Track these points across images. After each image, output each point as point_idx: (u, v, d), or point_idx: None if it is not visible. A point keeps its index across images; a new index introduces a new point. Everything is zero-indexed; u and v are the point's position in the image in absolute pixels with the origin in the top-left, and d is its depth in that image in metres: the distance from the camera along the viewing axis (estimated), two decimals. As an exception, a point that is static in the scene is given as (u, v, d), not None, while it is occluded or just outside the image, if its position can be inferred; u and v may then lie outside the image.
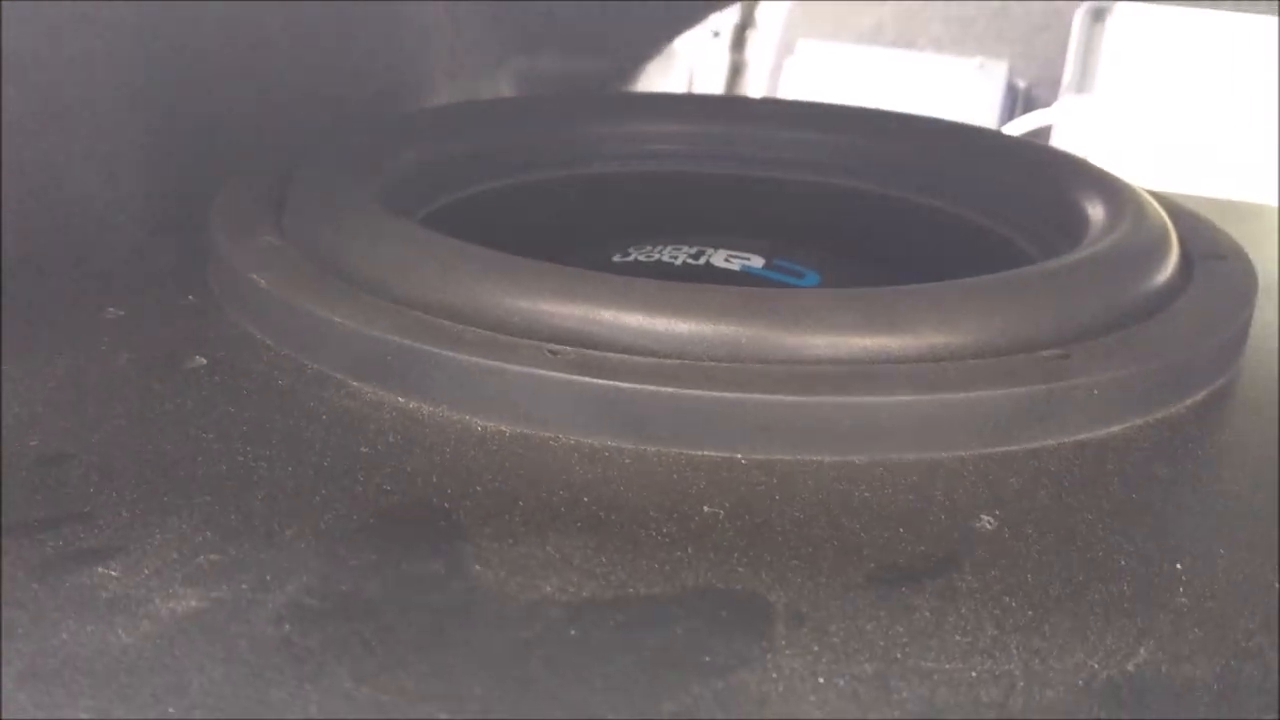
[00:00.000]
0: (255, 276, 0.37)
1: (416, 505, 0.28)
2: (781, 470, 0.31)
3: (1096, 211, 0.44)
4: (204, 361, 0.36)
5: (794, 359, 0.33)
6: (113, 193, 0.51)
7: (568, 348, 0.33)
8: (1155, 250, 0.40)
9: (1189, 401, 0.35)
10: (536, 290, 0.34)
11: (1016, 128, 1.31)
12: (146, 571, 0.25)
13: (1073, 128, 1.26)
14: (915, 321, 0.34)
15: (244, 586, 0.25)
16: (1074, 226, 0.45)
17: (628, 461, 0.31)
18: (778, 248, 0.51)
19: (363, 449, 0.31)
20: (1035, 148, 0.50)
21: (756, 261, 0.49)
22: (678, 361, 0.32)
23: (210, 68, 0.55)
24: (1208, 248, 0.43)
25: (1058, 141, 1.28)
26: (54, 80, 0.46)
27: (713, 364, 0.32)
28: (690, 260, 0.49)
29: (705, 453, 0.31)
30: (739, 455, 0.31)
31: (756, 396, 0.31)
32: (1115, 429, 0.34)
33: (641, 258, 0.50)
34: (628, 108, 0.61)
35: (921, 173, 0.52)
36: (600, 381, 0.31)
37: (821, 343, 0.33)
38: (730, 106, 0.60)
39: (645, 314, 0.33)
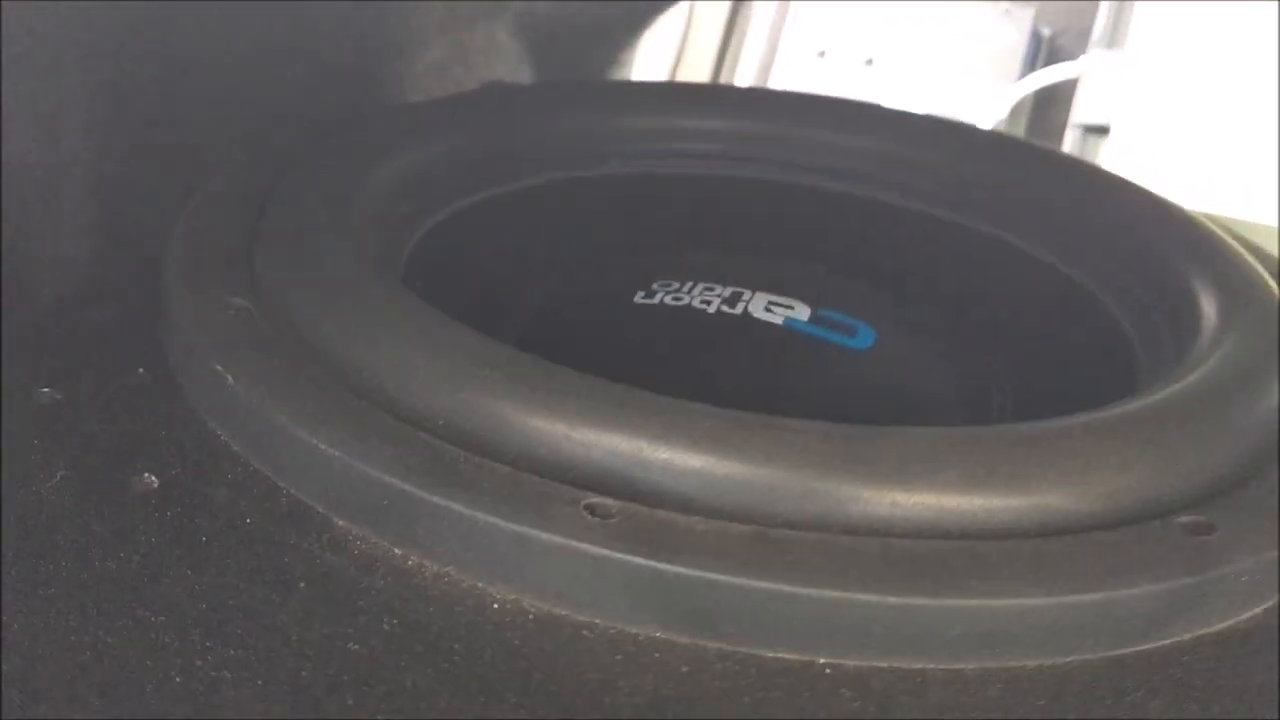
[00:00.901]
0: (220, 368, 0.30)
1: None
2: (877, 686, 0.25)
3: (1204, 292, 0.37)
4: (155, 483, 0.29)
5: (889, 528, 0.26)
6: (54, 158, 0.43)
7: (609, 500, 0.27)
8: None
9: None
10: (572, 417, 0.28)
11: (1039, 79, 1.23)
12: None
13: (1100, 84, 1.18)
14: (1032, 479, 0.27)
15: None
16: (1171, 293, 0.38)
17: (684, 669, 0.25)
18: (824, 287, 0.45)
19: (352, 646, 0.25)
20: (1131, 189, 0.43)
21: (801, 312, 0.42)
22: (744, 528, 0.26)
23: (172, 18, 0.48)
24: None
25: (1083, 97, 1.20)
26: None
27: (790, 534, 0.26)
28: (726, 308, 0.42)
29: (780, 655, 0.25)
30: (822, 659, 0.25)
31: (848, 596, 0.25)
32: (1255, 611, 0.28)
33: (669, 299, 0.43)
34: (647, 100, 0.54)
35: (995, 201, 0.45)
36: (653, 564, 0.25)
37: (923, 505, 0.27)
38: (772, 103, 0.53)
39: (709, 457, 0.27)
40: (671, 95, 0.55)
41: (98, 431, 0.31)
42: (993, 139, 0.49)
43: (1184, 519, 0.28)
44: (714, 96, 0.55)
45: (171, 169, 0.51)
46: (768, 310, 0.42)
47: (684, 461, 0.27)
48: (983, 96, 1.24)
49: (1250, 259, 0.39)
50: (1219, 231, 0.40)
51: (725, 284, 0.44)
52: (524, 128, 0.49)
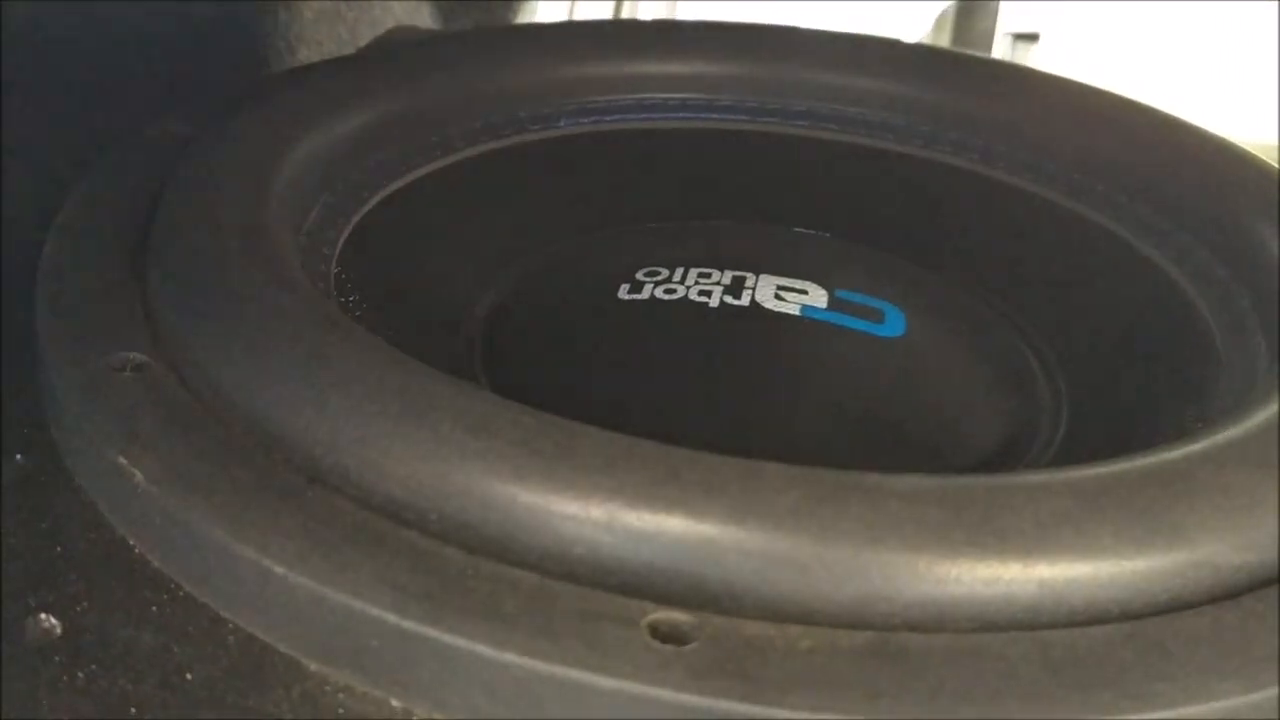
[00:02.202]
0: (124, 462, 0.23)
1: None
2: (1052, 836, 0.19)
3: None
4: (56, 628, 0.22)
5: (1036, 617, 0.21)
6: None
7: (678, 615, 0.20)
8: None
9: None
10: (615, 499, 0.21)
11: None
12: None
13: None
14: (1197, 528, 0.22)
15: None
16: (1252, 258, 0.33)
17: None
18: (835, 261, 0.38)
19: None
20: (1188, 130, 0.37)
21: (818, 297, 0.36)
22: (855, 637, 0.20)
23: None
24: None
25: (1010, 3, 1.15)
26: None
27: (918, 641, 0.20)
28: (730, 299, 0.36)
29: (927, 808, 0.19)
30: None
31: (1013, 727, 0.19)
32: None
33: (660, 293, 0.36)
34: (586, 44, 0.46)
35: (1032, 150, 0.39)
36: (757, 710, 0.19)
37: (1076, 581, 0.21)
38: (734, 38, 0.46)
39: (802, 540, 0.21)
40: (613, 37, 0.48)
41: (-32, 556, 0.23)
42: (1018, 73, 0.42)
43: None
44: (663, 35, 0.47)
45: (29, 165, 0.42)
46: (778, 298, 0.35)
47: (771, 548, 0.21)
48: (903, 8, 1.18)
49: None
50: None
51: (721, 267, 0.37)
52: (450, 88, 0.42)
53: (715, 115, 0.45)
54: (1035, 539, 0.21)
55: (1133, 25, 1.04)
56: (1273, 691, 0.20)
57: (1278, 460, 0.23)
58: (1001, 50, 1.13)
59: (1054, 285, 0.37)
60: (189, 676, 0.21)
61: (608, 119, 0.44)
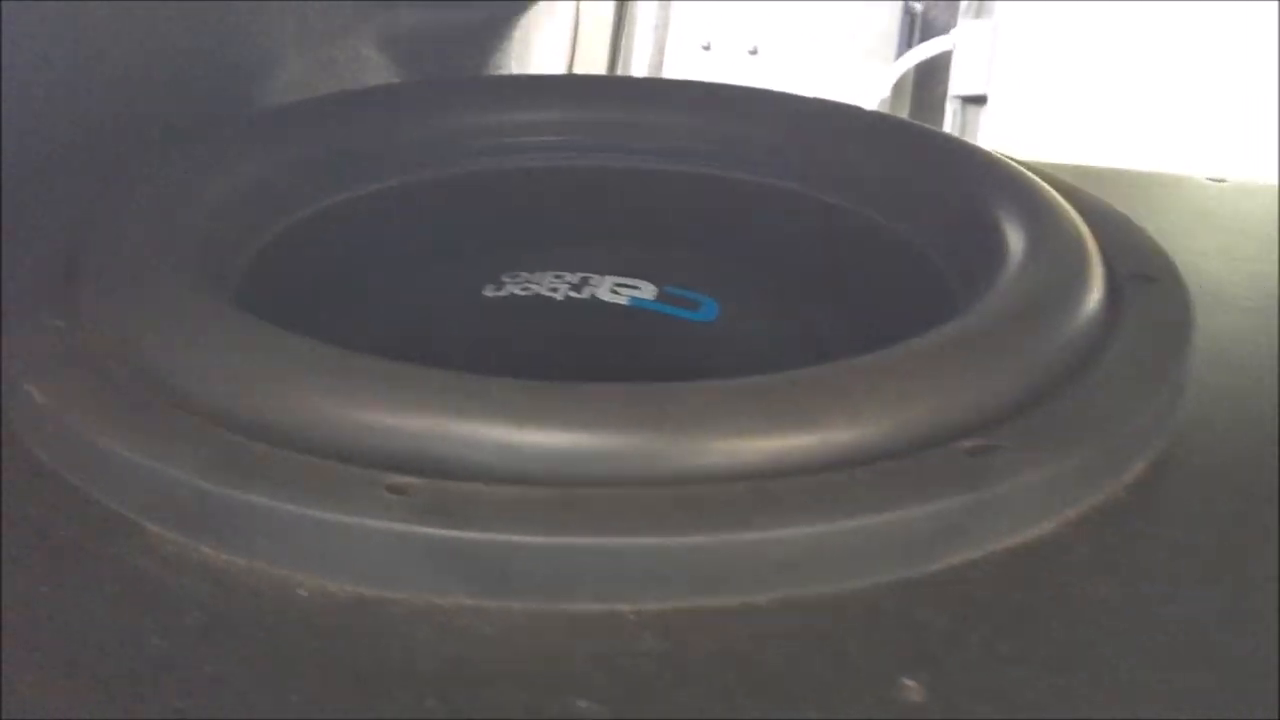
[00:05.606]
0: (31, 388, 0.31)
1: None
2: (676, 626, 0.26)
3: (1013, 230, 0.39)
4: (-32, 505, 0.29)
5: (683, 476, 0.27)
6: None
7: (411, 479, 0.27)
8: (1081, 288, 0.35)
9: (1126, 478, 0.31)
10: (369, 401, 0.28)
11: (914, 57, 1.26)
12: None
13: (972, 55, 1.21)
14: (818, 417, 0.29)
15: None
16: (986, 240, 0.40)
17: (489, 631, 0.25)
18: (671, 265, 0.46)
19: (154, 640, 0.25)
20: (946, 140, 0.44)
21: (647, 291, 0.43)
22: (546, 491, 0.27)
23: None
24: (1134, 265, 0.39)
25: (958, 69, 1.23)
26: None
27: (588, 491, 0.27)
28: (573, 293, 0.43)
29: (584, 607, 0.26)
30: (624, 607, 0.26)
31: (641, 541, 0.26)
32: (1046, 528, 0.29)
33: (518, 290, 0.44)
34: (489, 93, 0.54)
35: (821, 166, 0.46)
36: (452, 534, 0.26)
37: (716, 451, 0.28)
38: (612, 89, 0.54)
39: (507, 427, 0.28)
40: (505, 89, 0.56)
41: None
42: (813, 106, 0.50)
43: (967, 444, 0.29)
44: (547, 87, 0.56)
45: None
46: (613, 292, 0.43)
47: (483, 434, 0.28)
48: (865, 77, 1.27)
49: (1052, 194, 0.40)
50: (1027, 173, 0.42)
51: (574, 270, 0.44)
52: (364, 132, 0.50)
53: (592, 153, 0.52)
54: (684, 423, 0.28)
55: (1072, 87, 1.11)
56: (849, 524, 0.26)
57: (891, 371, 0.30)
58: (951, 113, 1.21)
59: (841, 271, 0.44)
60: (64, 532, 0.28)
61: (500, 159, 0.52)
